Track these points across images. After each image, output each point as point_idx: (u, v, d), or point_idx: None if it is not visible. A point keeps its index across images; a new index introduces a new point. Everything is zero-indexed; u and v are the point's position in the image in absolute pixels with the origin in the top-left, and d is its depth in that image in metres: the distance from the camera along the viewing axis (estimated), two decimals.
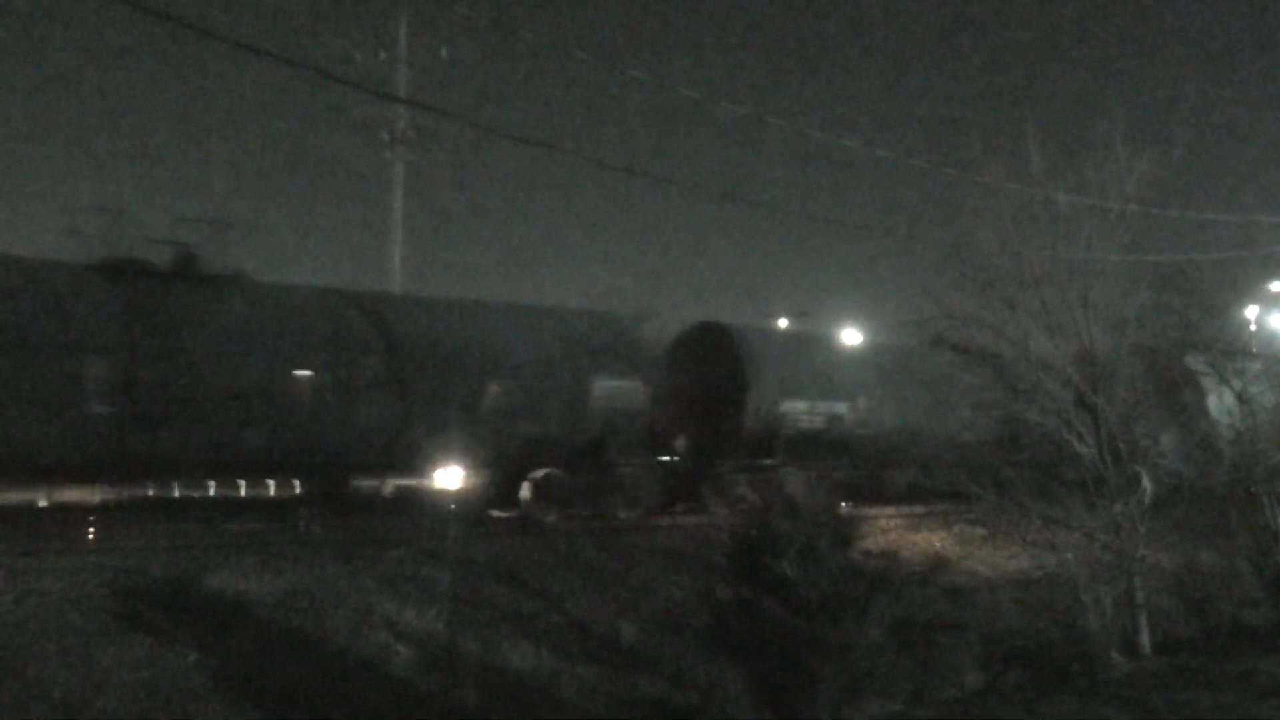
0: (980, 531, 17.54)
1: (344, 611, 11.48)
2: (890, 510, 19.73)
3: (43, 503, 14.84)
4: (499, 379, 17.38)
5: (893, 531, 18.33)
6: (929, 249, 16.95)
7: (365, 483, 17.24)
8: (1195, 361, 21.27)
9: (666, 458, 19.51)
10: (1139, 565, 13.70)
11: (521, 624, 12.23)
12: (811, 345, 23.23)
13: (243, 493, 16.65)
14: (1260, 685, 11.79)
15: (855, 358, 22.69)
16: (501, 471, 17.22)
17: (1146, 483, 14.01)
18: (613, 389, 18.54)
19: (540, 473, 17.39)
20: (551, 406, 17.85)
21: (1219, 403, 18.55)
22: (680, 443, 19.98)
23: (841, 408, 21.25)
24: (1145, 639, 13.65)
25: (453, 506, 14.73)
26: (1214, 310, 18.35)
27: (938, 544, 18.02)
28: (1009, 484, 14.14)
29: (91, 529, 13.49)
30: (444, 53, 26.86)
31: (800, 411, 20.49)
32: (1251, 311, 22.53)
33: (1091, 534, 13.83)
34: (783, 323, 32.49)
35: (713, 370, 20.20)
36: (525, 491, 17.32)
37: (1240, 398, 17.38)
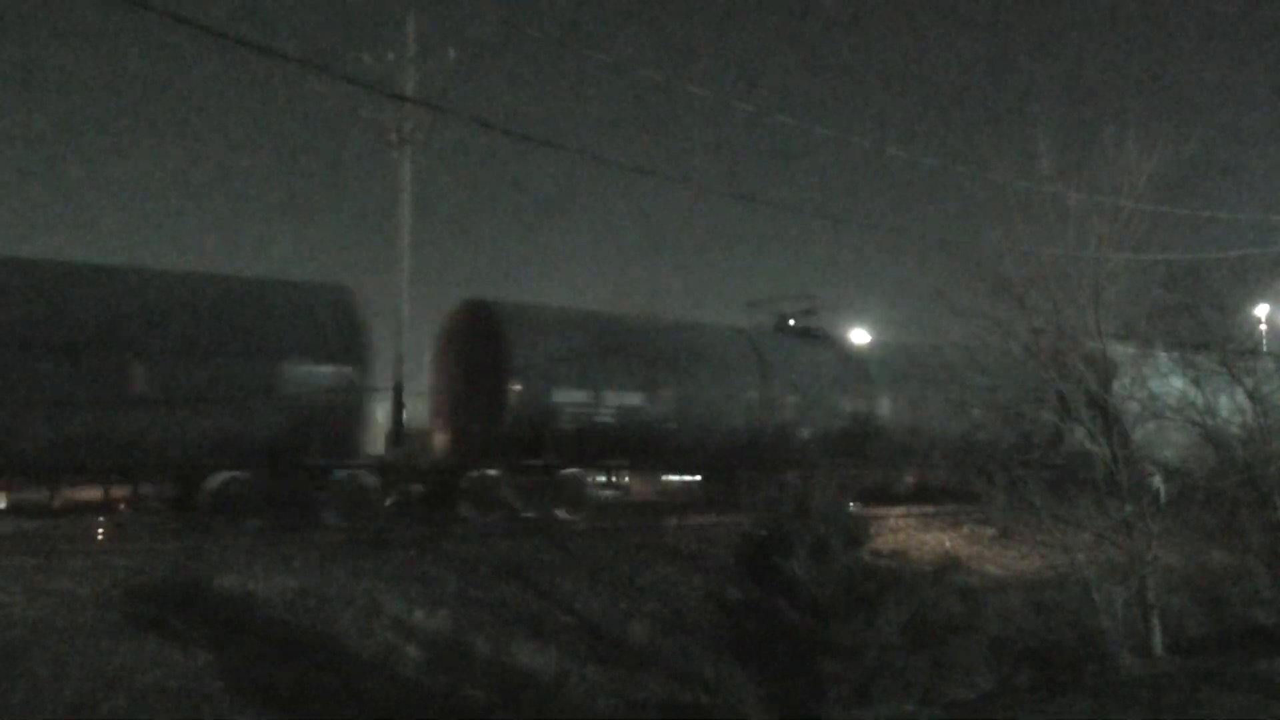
0: (990, 531, 17.52)
1: None
2: (900, 510, 19.73)
3: None
4: (144, 359, 14.28)
5: (903, 531, 18.32)
6: (938, 247, 16.90)
7: None
8: (1116, 351, 21.36)
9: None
10: (1151, 565, 13.64)
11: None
12: (615, 328, 19.61)
13: None
14: (1274, 685, 11.72)
15: (682, 342, 19.92)
16: (168, 473, 14.74)
17: (1159, 483, 13.95)
18: (308, 375, 15.45)
19: (221, 477, 14.66)
20: (225, 394, 14.60)
21: (1230, 401, 18.47)
22: (440, 440, 18.14)
23: (636, 399, 18.36)
24: (1157, 639, 13.58)
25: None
26: (1225, 309, 18.28)
27: (948, 543, 18.00)
28: (1020, 484, 14.09)
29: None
30: (452, 54, 26.77)
31: (579, 403, 17.65)
32: (1262, 310, 22.44)
33: (1103, 534, 13.77)
34: (790, 323, 32.16)
35: (478, 356, 17.76)
36: (206, 497, 14.69)
37: (1252, 397, 17.30)
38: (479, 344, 17.89)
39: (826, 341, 22.59)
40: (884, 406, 21.54)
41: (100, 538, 13.77)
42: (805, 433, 20.25)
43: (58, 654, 9.77)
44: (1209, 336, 17.62)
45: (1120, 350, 14.85)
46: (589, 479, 18.16)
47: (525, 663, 11.66)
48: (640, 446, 18.24)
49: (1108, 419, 14.10)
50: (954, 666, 10.56)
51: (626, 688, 11.74)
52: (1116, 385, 14.32)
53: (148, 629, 10.48)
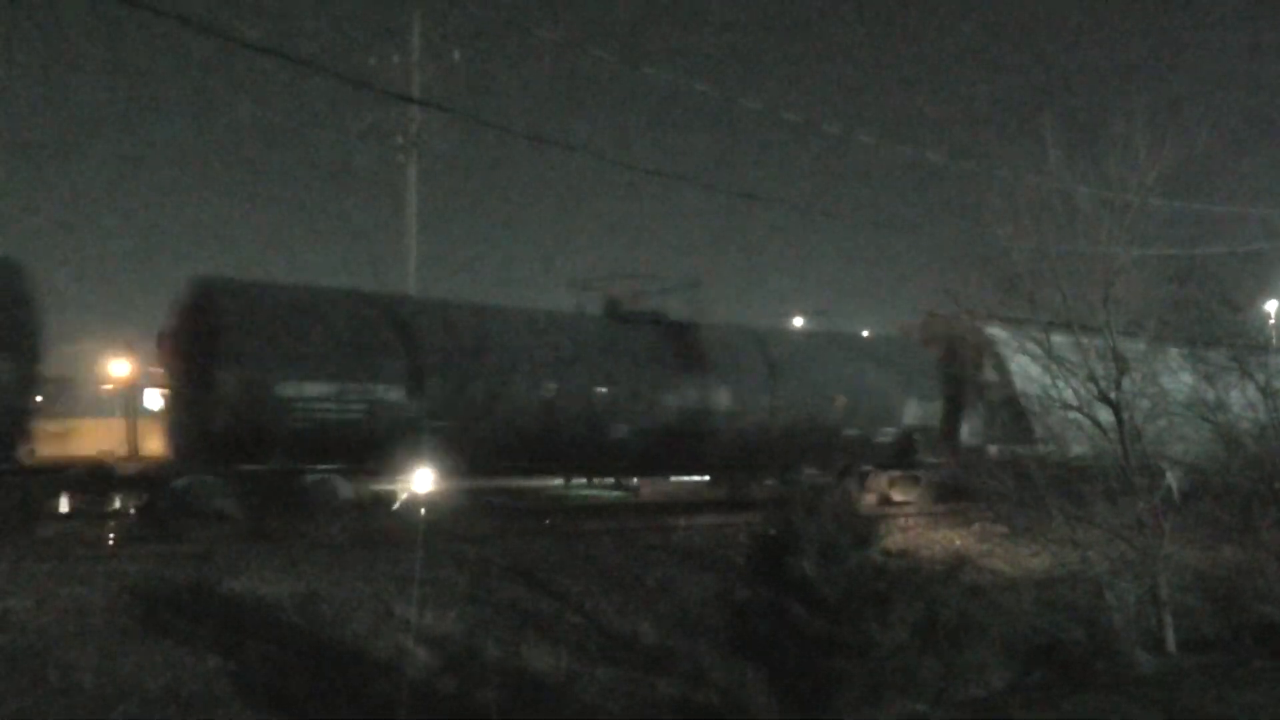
0: (1001, 529, 17.45)
1: None
2: (910, 508, 19.69)
3: None
4: None
5: (912, 530, 18.27)
6: (947, 245, 16.87)
7: None
8: (997, 333, 20.60)
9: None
10: (1163, 562, 13.57)
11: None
12: (377, 311, 16.60)
13: None
14: None
15: (464, 326, 17.30)
16: None
17: (1171, 479, 13.89)
18: None
19: None
20: None
21: (1242, 397, 18.38)
22: (156, 444, 16.41)
23: (396, 394, 15.71)
24: (1170, 637, 13.52)
25: None
26: (1235, 304, 18.22)
27: (958, 541, 17.94)
28: (1031, 481, 14.04)
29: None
30: (456, 55, 26.86)
31: (317, 397, 15.11)
32: (1272, 305, 22.35)
33: (1114, 531, 13.71)
34: (798, 321, 31.76)
35: (192, 344, 15.35)
36: None
37: (1264, 392, 17.22)
38: (195, 329, 15.37)
39: (670, 329, 19.44)
40: (726, 400, 19.15)
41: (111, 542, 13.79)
42: (622, 431, 17.84)
43: (68, 660, 9.77)
44: (1219, 332, 17.56)
45: (1130, 346, 14.79)
46: (344, 484, 15.69)
47: (535, 664, 11.65)
48: (401, 448, 15.53)
49: (1118, 415, 14.03)
50: (966, 665, 10.51)
51: (637, 688, 11.72)
52: (1127, 382, 14.25)
53: (158, 633, 10.48)
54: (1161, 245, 15.04)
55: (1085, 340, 14.41)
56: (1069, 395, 14.32)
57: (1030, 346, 19.16)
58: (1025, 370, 20.80)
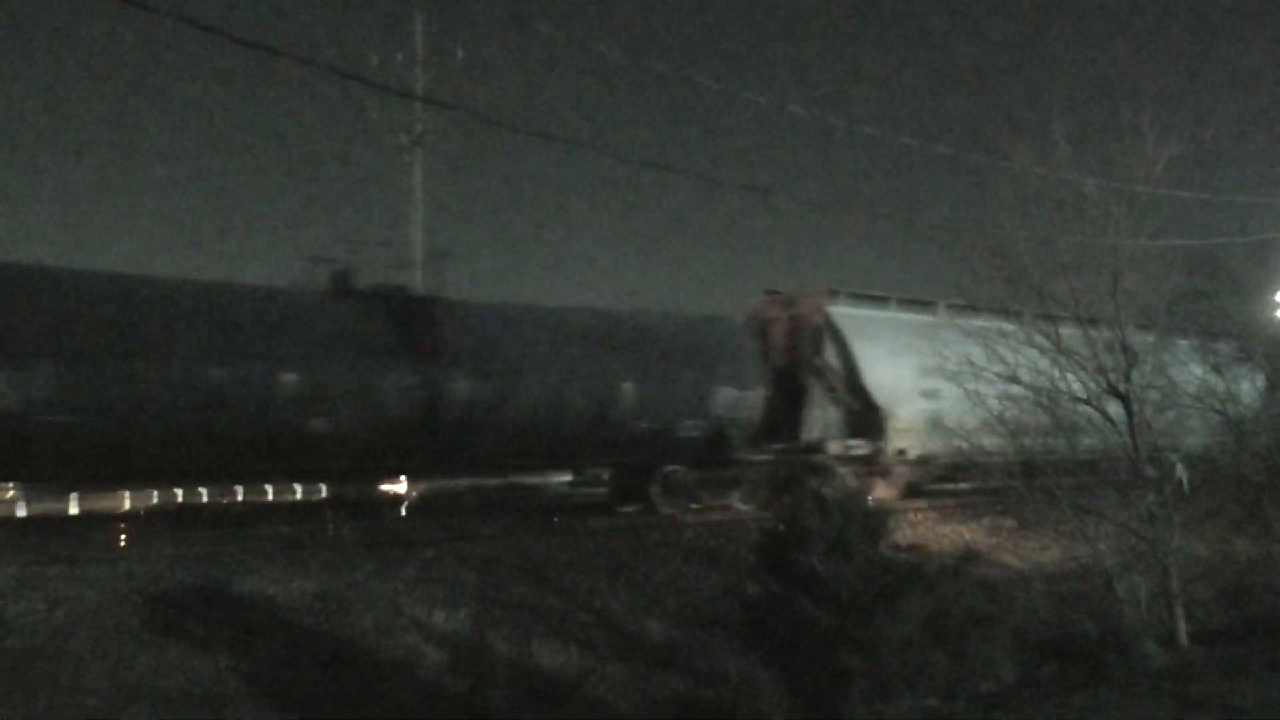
0: (1010, 523, 17.40)
1: None
2: (920, 502, 19.65)
3: None
4: None
5: (921, 524, 18.23)
6: (953, 237, 16.81)
7: None
8: (840, 311, 19.27)
9: None
10: (1174, 555, 13.51)
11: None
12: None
13: None
14: None
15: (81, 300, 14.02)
16: None
17: (1181, 472, 13.82)
18: None
19: None
20: None
21: (1252, 388, 18.28)
22: None
23: None
24: (1182, 630, 13.45)
25: None
26: (1245, 294, 18.12)
27: (967, 535, 17.89)
28: (1041, 474, 13.98)
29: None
30: (460, 53, 26.85)
31: None
32: None
33: (1124, 524, 13.64)
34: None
35: None
36: None
37: (1273, 383, 17.14)
38: None
39: (401, 306, 16.75)
40: (467, 389, 16.17)
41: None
42: (316, 424, 14.94)
43: (80, 661, 9.80)
44: (1229, 323, 17.47)
45: (1139, 338, 14.72)
46: None
47: (546, 662, 11.66)
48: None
49: (1128, 407, 13.96)
50: (975, 660, 10.49)
51: (648, 685, 11.72)
52: (1136, 374, 14.18)
53: (169, 634, 10.50)
54: (1171, 236, 14.95)
55: (1094, 332, 14.33)
56: (1078, 388, 14.25)
57: (877, 328, 18.58)
58: (871, 354, 19.44)
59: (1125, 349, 14.09)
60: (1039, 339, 14.49)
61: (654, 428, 17.79)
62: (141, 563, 11.95)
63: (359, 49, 26.62)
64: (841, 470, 19.06)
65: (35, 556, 12.24)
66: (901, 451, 20.02)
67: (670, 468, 18.08)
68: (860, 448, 19.83)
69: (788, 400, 19.56)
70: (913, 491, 20.28)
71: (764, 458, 18.89)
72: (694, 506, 18.06)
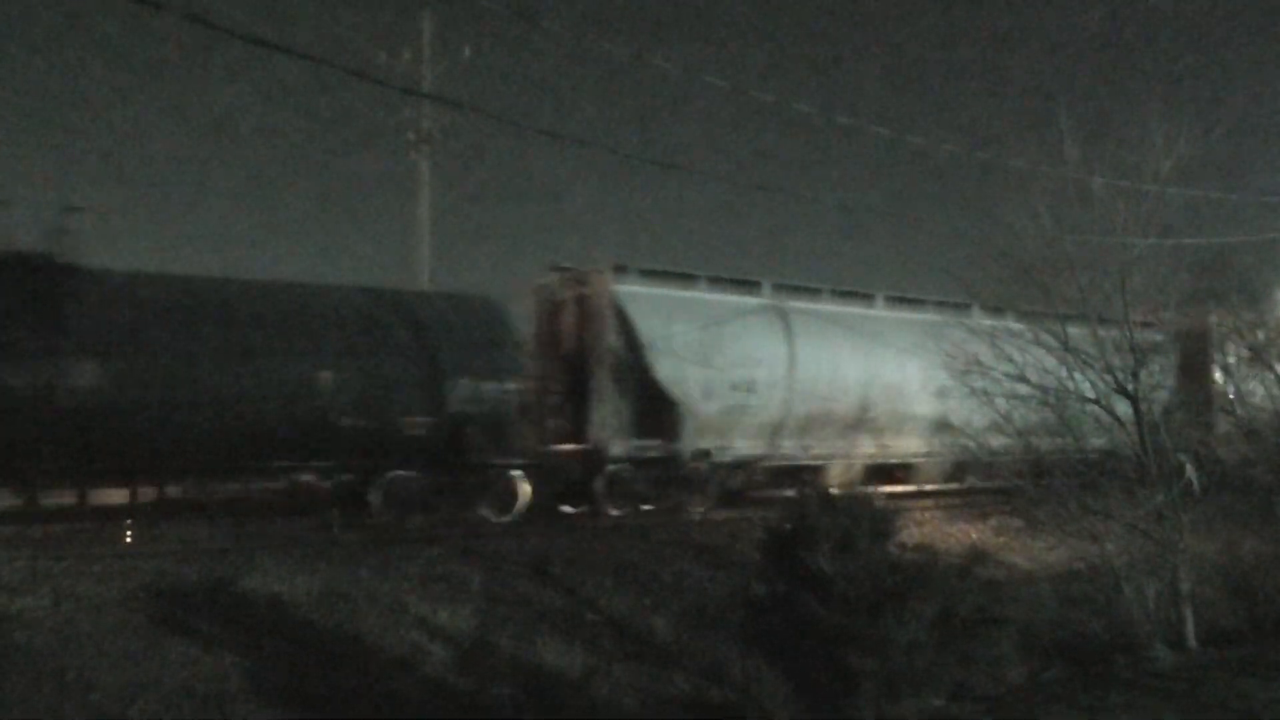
0: (1017, 523, 17.34)
1: None
2: (926, 502, 19.60)
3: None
4: None
5: (928, 524, 18.18)
6: (961, 235, 16.76)
7: None
8: (629, 293, 16.93)
9: None
10: (1183, 555, 13.45)
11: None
12: None
13: None
14: None
15: None
16: None
17: (1190, 472, 13.77)
18: None
19: None
20: None
21: (1261, 388, 18.22)
22: None
23: None
24: (1190, 630, 13.40)
25: None
26: (1254, 293, 18.08)
27: (974, 535, 17.84)
28: (1049, 474, 13.93)
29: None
30: (467, 51, 26.85)
31: None
32: None
33: (1133, 524, 13.59)
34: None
35: None
36: None
37: None
38: None
39: (34, 273, 13.87)
40: (92, 374, 13.66)
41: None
42: None
43: (85, 657, 9.81)
44: (1237, 322, 17.42)
45: (1148, 337, 14.67)
46: None
47: (551, 661, 11.64)
48: None
49: (1136, 406, 13.91)
50: (983, 660, 10.44)
51: (654, 684, 11.69)
52: (1144, 373, 14.13)
53: (174, 631, 10.51)
54: (1179, 234, 14.89)
55: (1102, 332, 14.28)
56: (1086, 388, 14.19)
57: (676, 311, 16.44)
58: (667, 341, 16.96)
59: (1133, 348, 14.04)
60: (1045, 338, 14.45)
61: (368, 425, 15.07)
62: None
63: (363, 46, 26.52)
64: (629, 474, 17.02)
65: (41, 550, 12.26)
66: (704, 453, 17.67)
67: (394, 473, 15.36)
68: (652, 449, 17.36)
69: (578, 395, 17.40)
70: (728, 501, 18.12)
71: (518, 461, 16.20)
72: (430, 518, 15.36)
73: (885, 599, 9.67)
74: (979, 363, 14.66)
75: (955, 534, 17.82)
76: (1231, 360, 18.26)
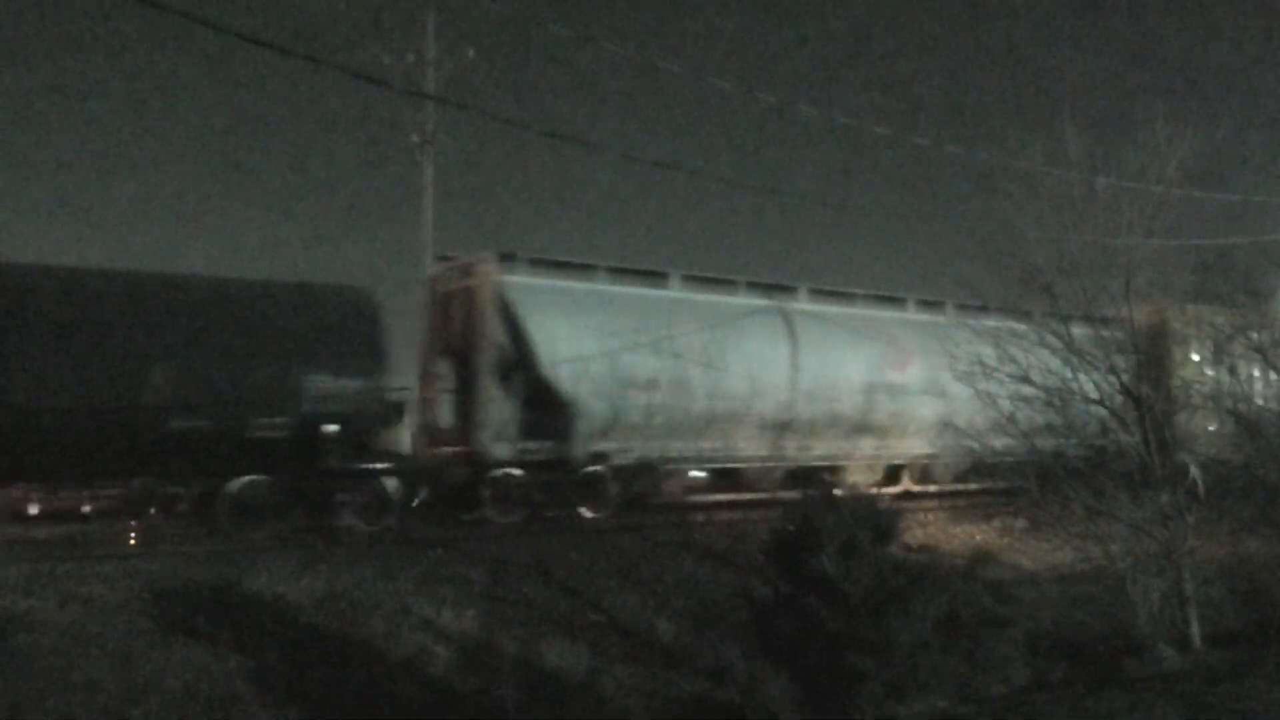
0: (1022, 523, 17.32)
1: None
2: (931, 503, 19.59)
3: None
4: None
5: (932, 525, 18.18)
6: (964, 236, 16.73)
7: None
8: (516, 284, 15.80)
9: None
10: (1187, 556, 13.42)
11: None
12: None
13: None
14: None
15: None
16: None
17: (1195, 473, 13.73)
18: None
19: None
20: None
21: (1265, 388, 18.16)
22: None
23: None
24: (1195, 632, 13.37)
25: None
26: (1258, 293, 18.01)
27: (978, 536, 17.83)
28: (1053, 475, 13.91)
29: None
30: (471, 53, 26.85)
31: None
32: None
33: (1137, 525, 13.56)
34: None
35: None
36: None
37: None
38: None
39: None
40: None
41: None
42: None
43: (90, 659, 9.82)
44: (1242, 322, 17.36)
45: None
46: None
47: (555, 662, 11.64)
48: None
49: (1140, 408, 13.88)
50: (988, 662, 10.43)
51: (658, 686, 11.69)
52: (1146, 374, 14.10)
53: (178, 633, 10.52)
54: (1184, 235, 14.87)
55: (1105, 332, 14.25)
56: (1090, 389, 14.17)
57: (569, 303, 15.33)
58: (558, 335, 15.78)
59: (1137, 349, 14.01)
60: (1050, 339, 14.42)
61: (210, 426, 13.73)
62: None
63: (369, 47, 26.52)
64: (517, 479, 15.95)
65: (46, 553, 12.29)
66: (601, 456, 16.62)
67: (242, 480, 14.13)
68: (542, 452, 16.25)
69: (465, 393, 16.46)
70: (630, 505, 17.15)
71: (384, 466, 15.17)
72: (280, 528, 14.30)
73: (889, 600, 9.67)
74: (985, 364, 14.57)
75: (959, 535, 17.82)
76: (1196, 357, 17.97)
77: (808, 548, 9.95)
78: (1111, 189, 14.08)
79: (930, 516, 18.70)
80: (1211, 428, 16.59)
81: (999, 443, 15.29)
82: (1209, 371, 15.59)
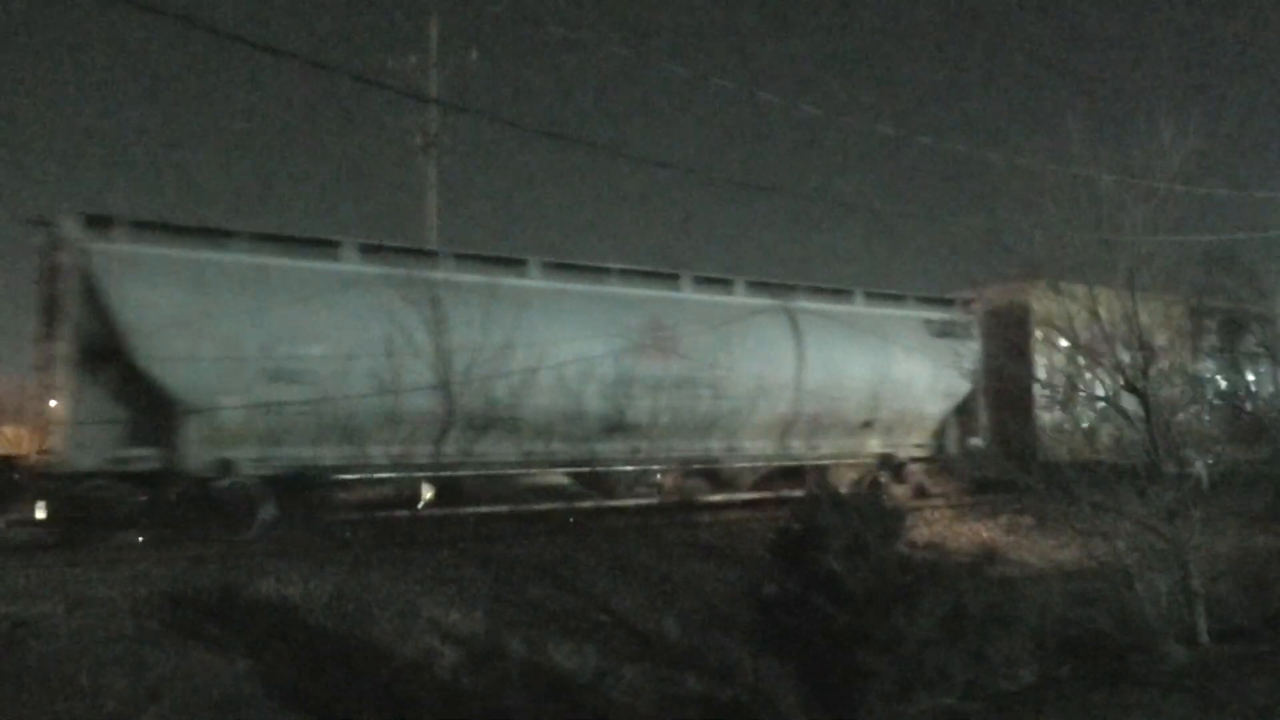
0: (1028, 520, 17.31)
1: None
2: (937, 500, 19.58)
3: None
4: None
5: (938, 523, 18.17)
6: (967, 234, 16.71)
7: None
8: (109, 252, 12.81)
9: None
10: (1194, 552, 13.41)
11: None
12: None
13: None
14: None
15: None
16: None
17: (1201, 469, 13.70)
18: None
19: None
20: None
21: (1271, 383, 18.14)
22: None
23: None
24: (1202, 627, 13.35)
25: None
26: (1263, 289, 18.01)
27: (984, 534, 17.82)
28: (1059, 472, 13.91)
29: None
30: (474, 55, 26.91)
31: None
32: None
33: (1144, 521, 13.55)
34: None
35: None
36: None
37: None
38: None
39: None
40: None
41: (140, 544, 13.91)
42: None
43: (99, 663, 9.85)
44: (1247, 318, 17.35)
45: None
46: None
47: (562, 662, 11.66)
48: None
49: (1146, 404, 13.87)
50: (995, 659, 10.43)
51: (665, 685, 11.70)
52: (1154, 370, 14.08)
53: (187, 636, 10.55)
54: (1189, 231, 14.84)
55: (1111, 329, 14.22)
56: (1095, 385, 14.15)
57: (186, 276, 12.71)
58: (164, 319, 12.83)
59: (1143, 345, 14.00)
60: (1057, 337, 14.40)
61: None
62: None
63: (370, 50, 26.52)
64: (110, 492, 13.15)
65: (54, 558, 12.32)
66: (226, 464, 13.66)
67: None
68: (140, 461, 13.34)
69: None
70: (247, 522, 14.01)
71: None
72: None
73: (896, 598, 9.67)
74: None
75: (965, 533, 17.80)
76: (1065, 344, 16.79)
77: (814, 546, 9.97)
78: (1116, 186, 14.07)
79: (936, 514, 18.68)
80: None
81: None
82: (1081, 361, 14.43)
